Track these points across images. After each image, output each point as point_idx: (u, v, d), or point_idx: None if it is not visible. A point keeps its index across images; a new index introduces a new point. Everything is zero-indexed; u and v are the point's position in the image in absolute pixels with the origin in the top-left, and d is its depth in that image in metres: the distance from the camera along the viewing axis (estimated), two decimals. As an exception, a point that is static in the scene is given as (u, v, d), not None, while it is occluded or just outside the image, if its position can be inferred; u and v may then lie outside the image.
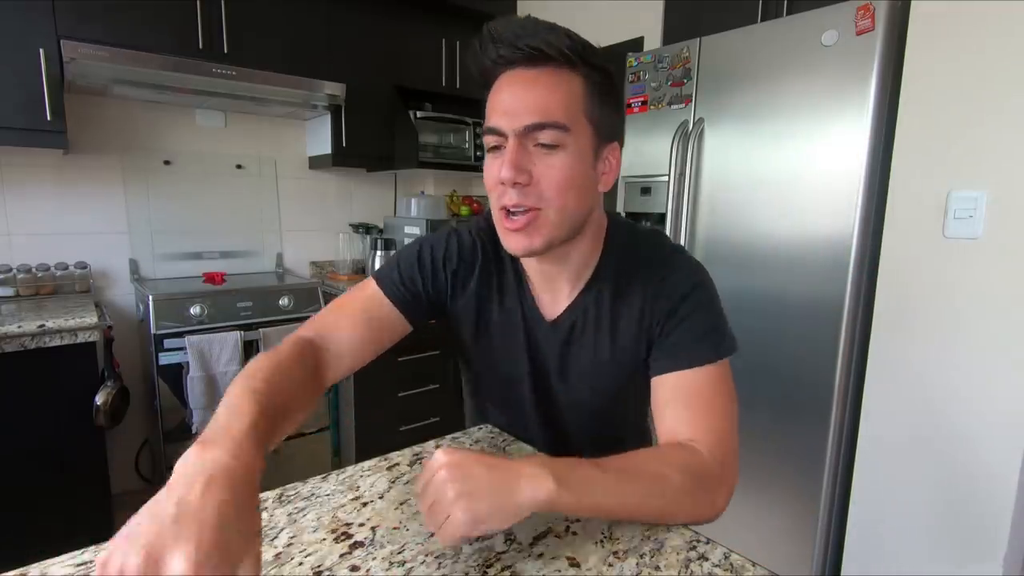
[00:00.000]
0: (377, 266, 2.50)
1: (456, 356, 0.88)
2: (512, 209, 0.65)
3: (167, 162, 2.28)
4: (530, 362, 0.80)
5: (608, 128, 0.68)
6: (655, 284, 0.73)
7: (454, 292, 0.79)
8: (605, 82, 0.66)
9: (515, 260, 0.78)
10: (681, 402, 0.68)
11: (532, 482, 0.51)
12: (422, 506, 0.52)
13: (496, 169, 0.65)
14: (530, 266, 0.77)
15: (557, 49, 0.62)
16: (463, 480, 0.50)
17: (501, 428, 0.88)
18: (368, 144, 2.48)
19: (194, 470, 0.41)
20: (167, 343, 1.87)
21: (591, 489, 0.55)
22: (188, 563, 0.35)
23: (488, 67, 0.66)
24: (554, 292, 0.77)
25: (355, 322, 0.74)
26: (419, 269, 0.78)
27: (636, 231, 0.79)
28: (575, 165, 0.65)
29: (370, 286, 0.78)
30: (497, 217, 0.69)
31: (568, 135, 0.63)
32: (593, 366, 0.77)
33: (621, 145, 0.71)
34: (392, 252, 2.55)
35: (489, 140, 0.66)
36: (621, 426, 0.86)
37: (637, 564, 0.54)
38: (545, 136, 0.63)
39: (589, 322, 0.76)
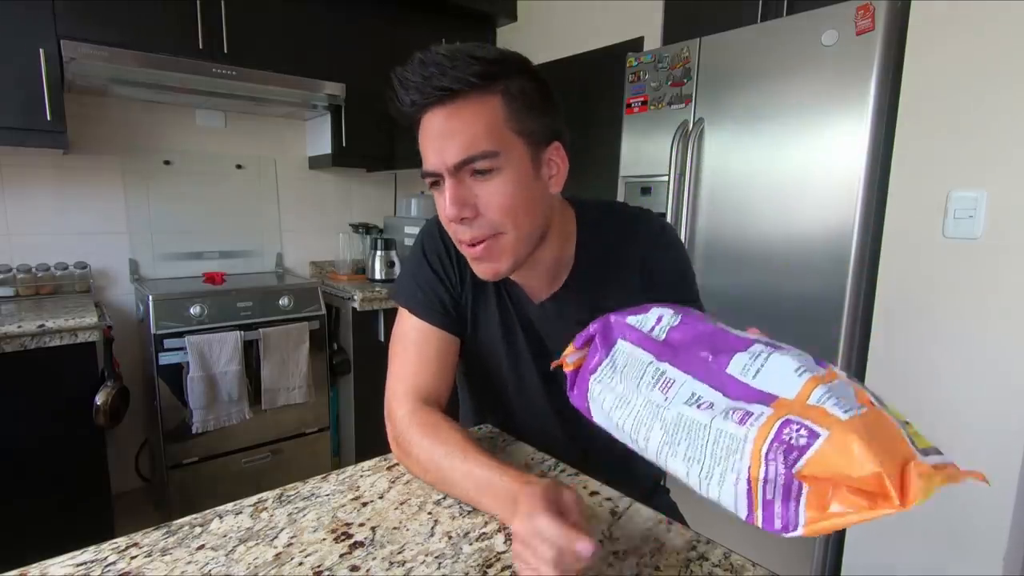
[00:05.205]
0: (377, 268, 2.51)
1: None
2: (470, 242, 0.67)
3: (167, 162, 2.28)
4: (529, 348, 0.81)
5: (542, 132, 0.67)
6: (651, 249, 0.77)
7: (463, 284, 0.80)
8: (527, 88, 0.66)
9: None
10: None
11: None
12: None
13: (443, 206, 0.66)
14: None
15: (465, 82, 0.62)
16: None
17: (502, 427, 0.88)
18: (368, 144, 2.48)
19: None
20: (167, 343, 1.87)
21: None
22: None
23: (408, 114, 0.66)
24: (534, 288, 0.79)
25: (425, 365, 0.77)
26: (439, 282, 0.79)
27: (601, 207, 0.82)
28: (516, 184, 0.65)
29: (410, 324, 0.79)
30: (462, 248, 0.70)
31: (499, 158, 0.64)
32: None
33: (564, 137, 0.71)
34: (392, 252, 2.55)
35: (428, 181, 0.67)
36: None
37: (637, 564, 0.54)
38: (477, 166, 0.63)
39: (580, 304, 0.77)
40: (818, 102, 1.47)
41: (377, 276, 2.53)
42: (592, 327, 0.51)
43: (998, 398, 1.27)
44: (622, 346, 0.48)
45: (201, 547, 0.55)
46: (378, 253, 2.53)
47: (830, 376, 0.39)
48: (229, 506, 0.62)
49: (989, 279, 1.28)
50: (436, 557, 0.54)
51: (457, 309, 0.80)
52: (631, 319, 0.51)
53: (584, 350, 0.50)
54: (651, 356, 0.45)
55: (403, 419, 0.72)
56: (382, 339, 2.34)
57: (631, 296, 0.75)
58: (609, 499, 0.66)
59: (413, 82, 0.63)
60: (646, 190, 1.91)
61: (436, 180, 0.66)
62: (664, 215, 1.79)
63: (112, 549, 0.54)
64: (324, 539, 0.57)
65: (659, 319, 0.49)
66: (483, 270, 0.70)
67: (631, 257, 0.77)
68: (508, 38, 2.85)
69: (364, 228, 2.70)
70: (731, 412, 0.40)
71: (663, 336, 0.47)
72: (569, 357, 0.50)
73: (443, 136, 0.63)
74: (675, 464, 0.42)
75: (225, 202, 2.44)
